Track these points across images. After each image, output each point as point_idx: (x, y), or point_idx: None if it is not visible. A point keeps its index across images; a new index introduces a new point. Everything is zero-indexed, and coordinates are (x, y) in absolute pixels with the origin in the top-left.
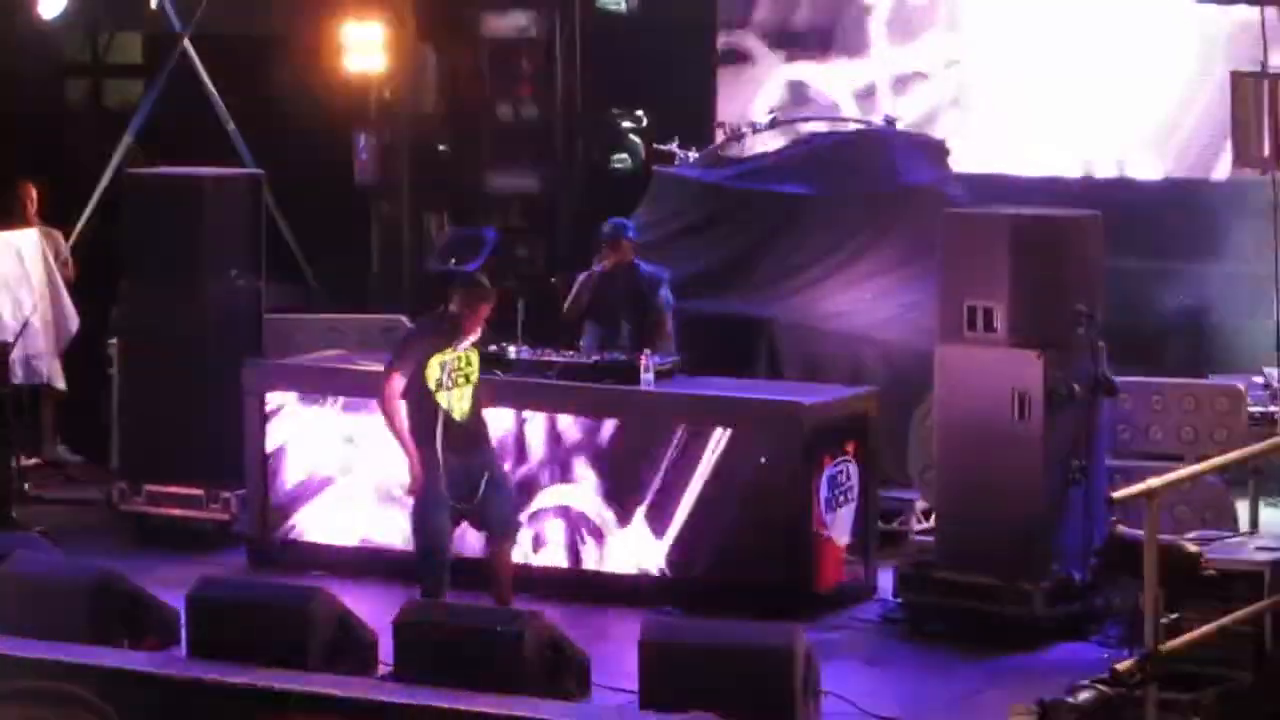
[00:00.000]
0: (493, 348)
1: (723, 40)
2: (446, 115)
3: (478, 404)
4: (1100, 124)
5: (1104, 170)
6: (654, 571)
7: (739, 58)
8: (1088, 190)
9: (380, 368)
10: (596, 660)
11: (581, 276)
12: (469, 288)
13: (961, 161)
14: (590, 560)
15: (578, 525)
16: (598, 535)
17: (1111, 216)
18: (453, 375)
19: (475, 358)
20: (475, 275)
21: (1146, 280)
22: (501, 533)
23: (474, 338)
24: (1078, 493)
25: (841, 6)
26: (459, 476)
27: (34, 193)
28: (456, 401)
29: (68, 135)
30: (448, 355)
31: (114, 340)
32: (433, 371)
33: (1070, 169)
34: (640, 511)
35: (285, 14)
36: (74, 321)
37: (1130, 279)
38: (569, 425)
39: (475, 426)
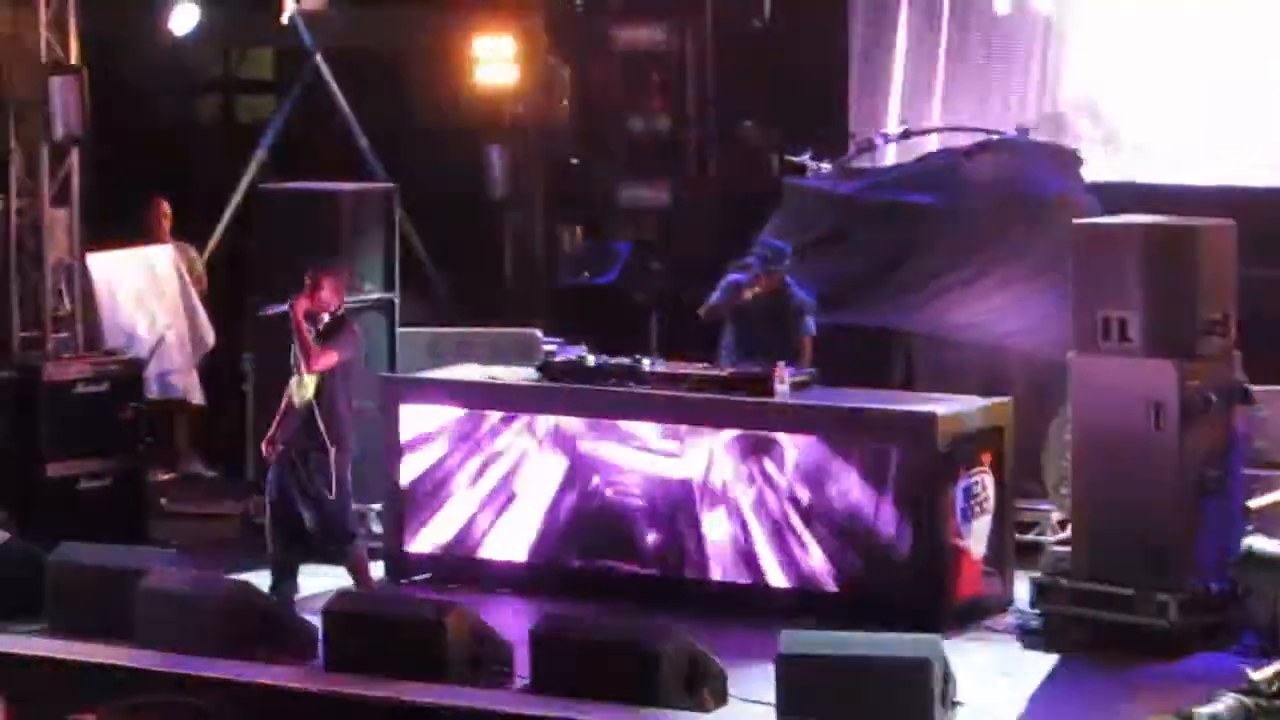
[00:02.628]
0: (627, 360)
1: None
2: (578, 128)
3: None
4: (1242, 129)
5: (1247, 178)
6: (790, 584)
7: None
8: (1227, 198)
9: (511, 379)
10: (734, 673)
11: (727, 280)
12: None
13: (1095, 170)
14: (726, 573)
15: (714, 539)
16: (736, 548)
17: (1256, 225)
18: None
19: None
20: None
21: None
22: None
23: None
24: (1214, 503)
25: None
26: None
27: (167, 209)
28: (297, 387)
29: (200, 151)
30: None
31: (248, 355)
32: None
33: (1210, 176)
34: (778, 524)
35: (417, 28)
36: (209, 336)
37: (1272, 288)
38: (704, 437)
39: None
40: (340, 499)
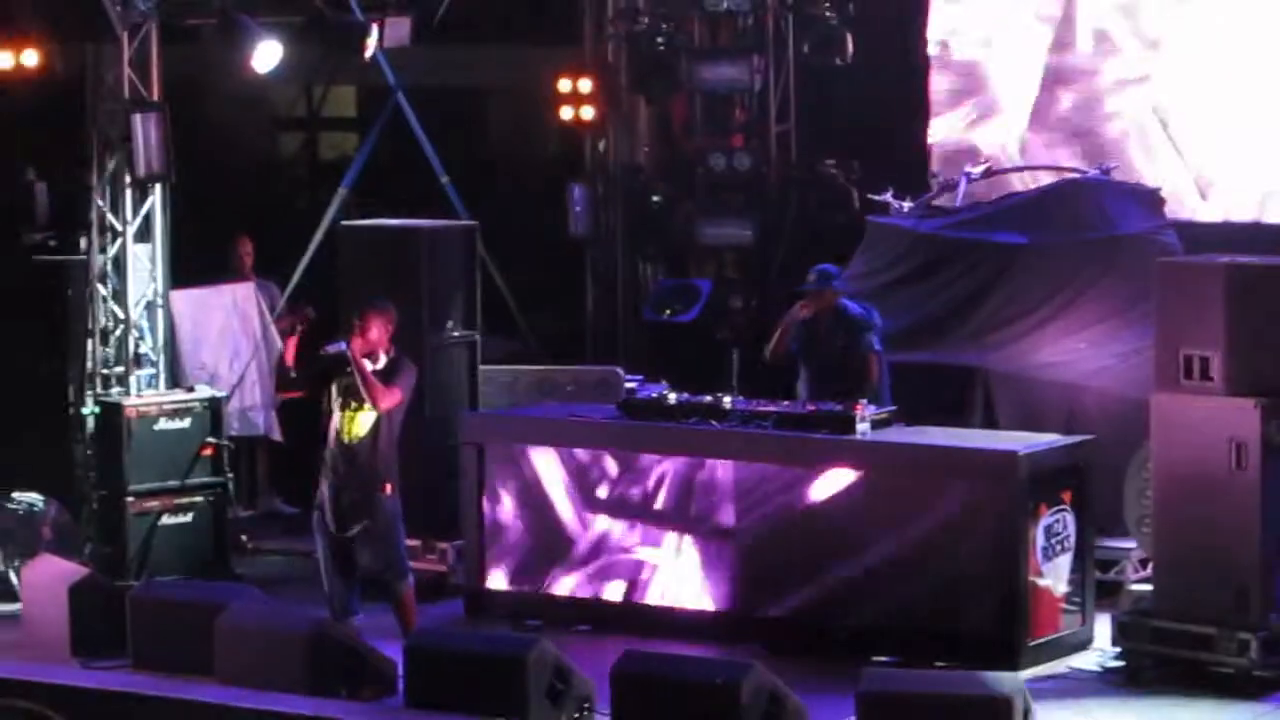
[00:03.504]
0: (708, 398)
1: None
2: (660, 166)
3: (375, 431)
4: None
5: None
6: (871, 620)
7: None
8: None
9: (597, 418)
10: (813, 709)
11: (785, 318)
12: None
13: (1177, 209)
14: (805, 609)
15: (792, 573)
16: (815, 584)
17: None
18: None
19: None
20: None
21: None
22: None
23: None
24: None
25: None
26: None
27: (250, 246)
28: (348, 424)
29: (283, 188)
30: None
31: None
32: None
33: None
34: (859, 560)
35: (498, 66)
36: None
37: None
38: (783, 475)
39: (364, 453)
40: (396, 535)
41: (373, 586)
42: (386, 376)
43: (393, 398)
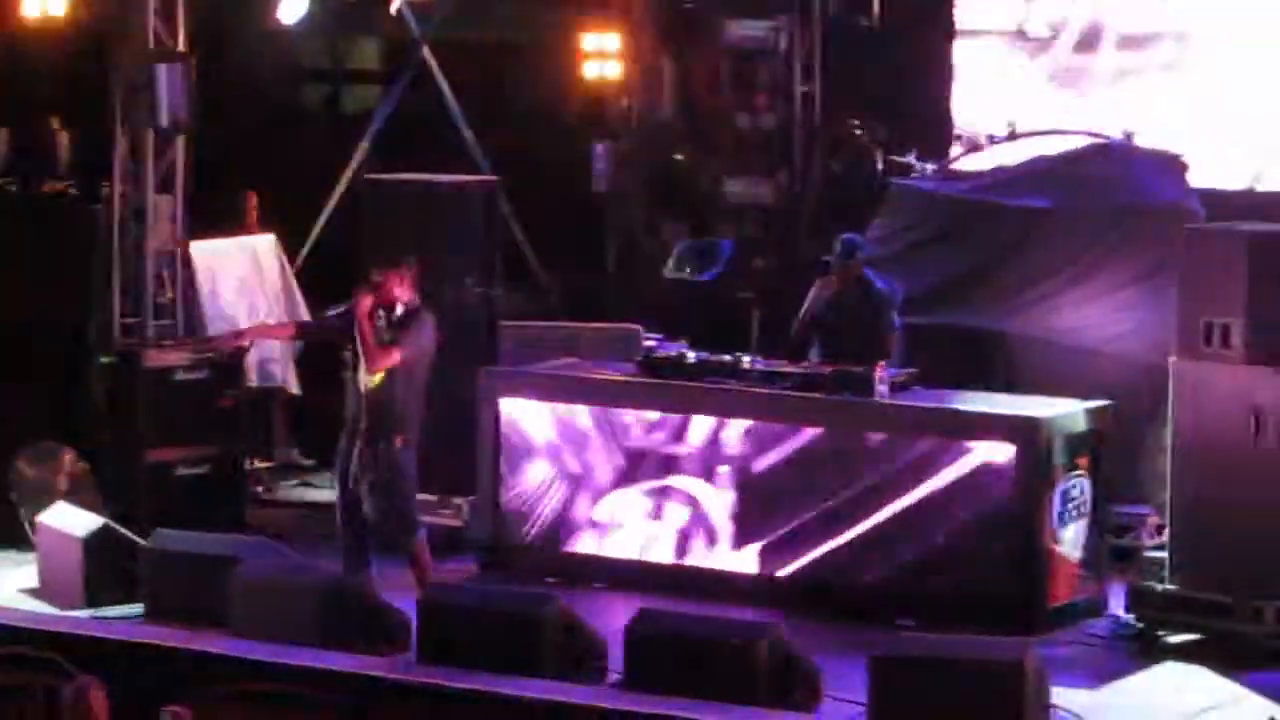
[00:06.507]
0: (727, 358)
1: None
2: (684, 124)
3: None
4: None
5: None
6: (885, 584)
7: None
8: None
9: (616, 375)
10: (827, 671)
11: (813, 291)
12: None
13: (1201, 176)
14: (820, 571)
15: (809, 535)
16: (829, 547)
17: None
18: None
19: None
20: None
21: None
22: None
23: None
24: None
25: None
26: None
27: (255, 200)
28: (365, 376)
29: (305, 140)
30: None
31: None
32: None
33: None
34: (876, 523)
35: (524, 21)
36: None
37: None
38: (803, 436)
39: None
40: (404, 489)
41: (388, 543)
42: (399, 328)
43: (387, 359)
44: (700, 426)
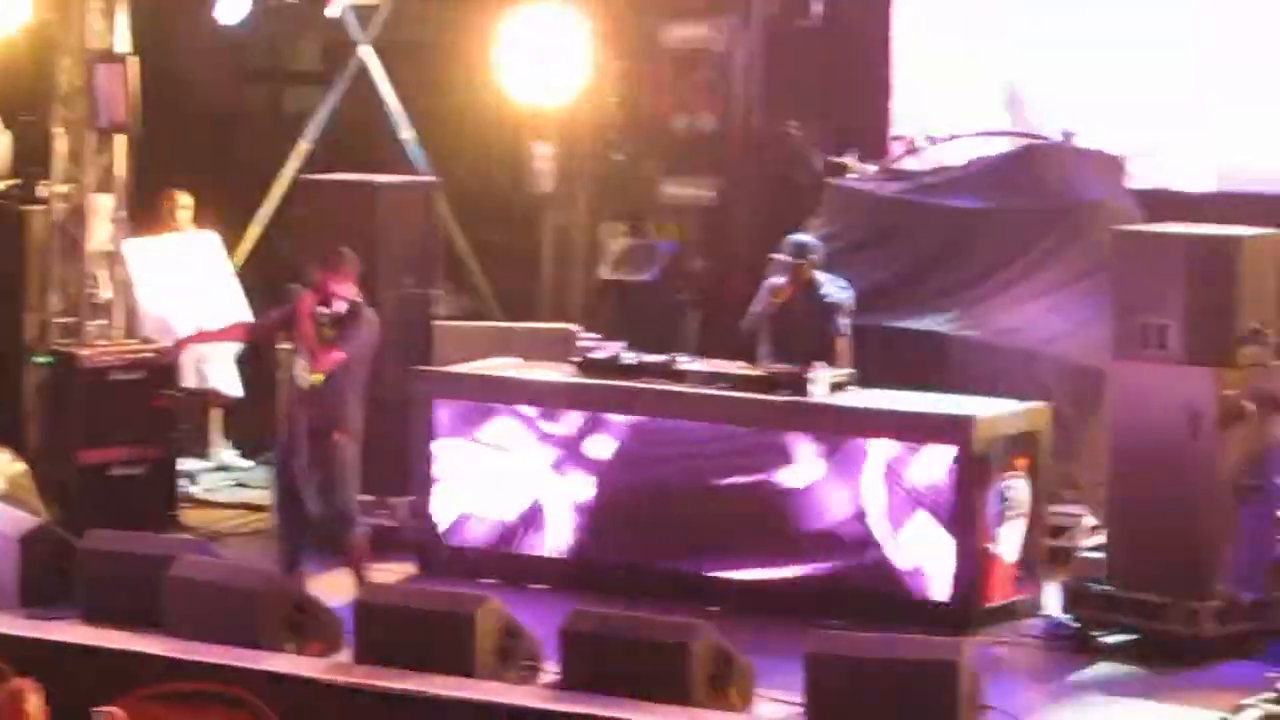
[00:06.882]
0: (664, 358)
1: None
2: (623, 125)
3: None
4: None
5: None
6: (821, 583)
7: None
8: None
9: (552, 377)
10: (761, 670)
11: (763, 287)
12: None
13: (1139, 176)
14: (756, 570)
15: (744, 536)
16: (766, 546)
17: None
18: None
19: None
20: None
21: None
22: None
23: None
24: (1249, 511)
25: None
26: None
27: (178, 199)
28: (306, 372)
29: (246, 141)
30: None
31: (284, 345)
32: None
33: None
34: (813, 523)
35: (464, 22)
36: None
37: None
38: (739, 437)
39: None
40: (348, 488)
41: (327, 541)
42: (341, 326)
43: (330, 359)
44: (635, 427)
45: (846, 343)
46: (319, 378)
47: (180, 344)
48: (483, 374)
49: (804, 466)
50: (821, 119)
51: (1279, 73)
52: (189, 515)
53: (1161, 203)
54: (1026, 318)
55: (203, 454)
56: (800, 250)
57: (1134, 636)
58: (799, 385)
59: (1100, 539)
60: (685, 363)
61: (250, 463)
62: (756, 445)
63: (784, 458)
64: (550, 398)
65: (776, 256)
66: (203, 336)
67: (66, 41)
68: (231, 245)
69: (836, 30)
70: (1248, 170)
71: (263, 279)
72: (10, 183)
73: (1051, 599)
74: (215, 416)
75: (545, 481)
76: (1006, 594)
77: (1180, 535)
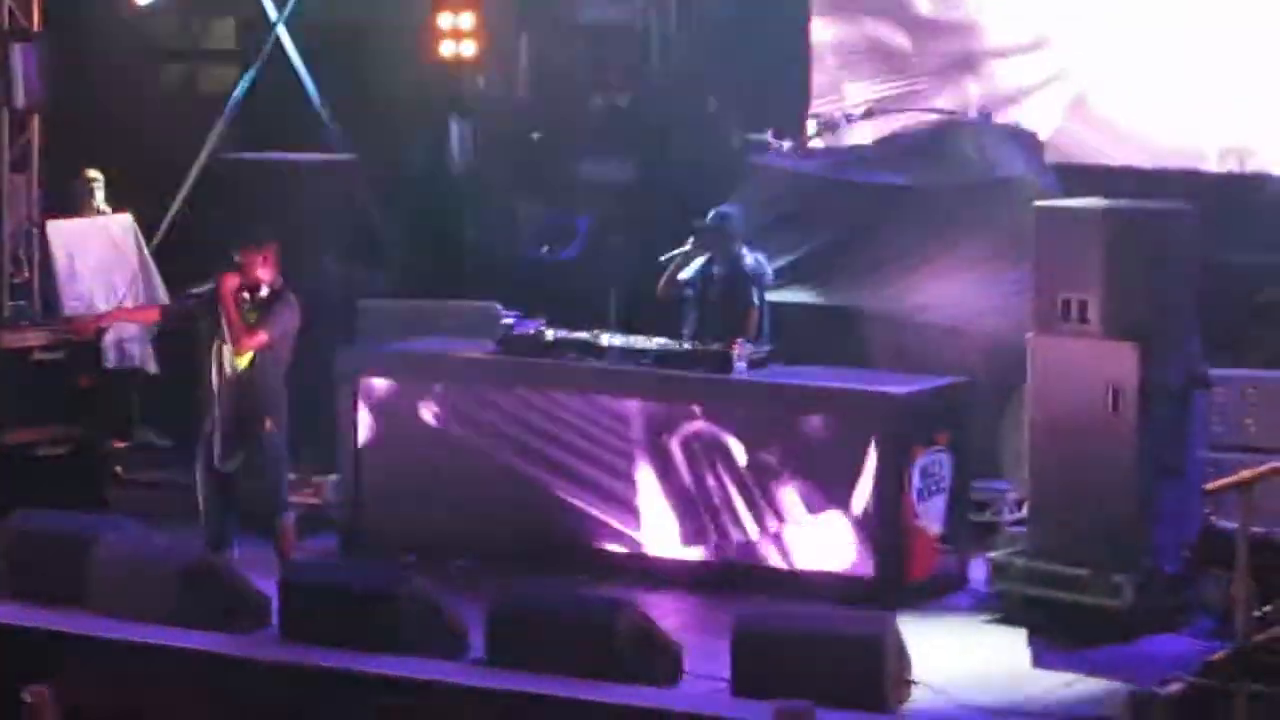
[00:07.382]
0: (585, 335)
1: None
2: (541, 103)
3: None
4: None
5: (1229, 163)
6: (745, 560)
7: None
8: (1186, 181)
9: (474, 354)
10: (688, 648)
11: (677, 254)
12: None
13: (1059, 150)
14: (681, 547)
15: (668, 513)
16: (689, 523)
17: (1212, 208)
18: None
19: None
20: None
21: (1261, 275)
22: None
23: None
24: (1171, 485)
25: None
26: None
27: (92, 176)
28: (231, 356)
29: (162, 121)
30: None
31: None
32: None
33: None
34: (731, 500)
35: (379, 1)
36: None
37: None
38: (660, 413)
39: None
40: (277, 470)
41: (250, 519)
42: (263, 309)
43: (254, 340)
44: (557, 403)
45: (757, 314)
46: (244, 361)
47: (98, 318)
48: (405, 351)
49: (726, 442)
50: (739, 96)
51: None
52: (113, 495)
53: (1080, 177)
54: (947, 294)
55: (126, 434)
56: (719, 219)
57: (1058, 610)
58: (721, 361)
59: (1023, 513)
60: (607, 339)
61: (171, 442)
62: (674, 417)
63: (702, 434)
64: (473, 375)
65: (698, 225)
66: (119, 314)
67: None
68: (149, 227)
69: (754, 7)
70: None
71: (181, 260)
72: None
73: (976, 573)
74: (136, 396)
75: (471, 457)
76: (931, 568)
77: (1103, 509)
